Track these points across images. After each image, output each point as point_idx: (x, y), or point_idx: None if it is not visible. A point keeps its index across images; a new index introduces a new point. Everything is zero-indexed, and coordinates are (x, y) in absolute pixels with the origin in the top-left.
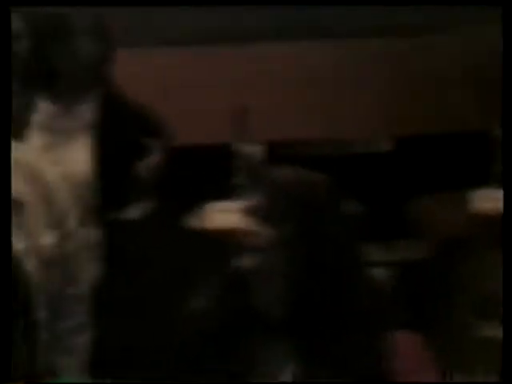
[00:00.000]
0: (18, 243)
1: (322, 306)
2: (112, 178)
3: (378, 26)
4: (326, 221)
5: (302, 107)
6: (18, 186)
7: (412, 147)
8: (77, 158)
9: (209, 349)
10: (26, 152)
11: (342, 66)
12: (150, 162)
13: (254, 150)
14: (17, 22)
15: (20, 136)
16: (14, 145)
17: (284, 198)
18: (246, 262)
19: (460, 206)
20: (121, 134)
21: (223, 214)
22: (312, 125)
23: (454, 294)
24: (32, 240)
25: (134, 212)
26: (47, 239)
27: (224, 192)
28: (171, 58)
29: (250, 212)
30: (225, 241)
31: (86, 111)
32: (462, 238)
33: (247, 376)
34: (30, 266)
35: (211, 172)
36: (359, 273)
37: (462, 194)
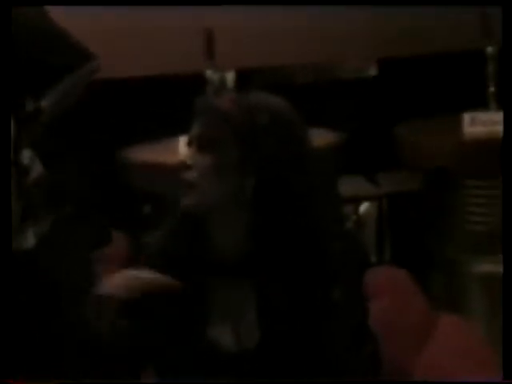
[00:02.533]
0: None
1: (284, 244)
2: None
3: None
4: (272, 149)
5: (275, 31)
6: None
7: (398, 70)
8: None
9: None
10: None
11: None
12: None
13: (224, 77)
14: None
15: None
16: None
17: (222, 124)
18: (190, 199)
19: (451, 131)
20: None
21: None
22: (291, 50)
23: (443, 229)
24: None
25: None
26: None
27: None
28: None
29: (189, 143)
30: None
31: None
32: (452, 166)
33: (205, 318)
34: None
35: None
36: (319, 205)
37: (453, 118)
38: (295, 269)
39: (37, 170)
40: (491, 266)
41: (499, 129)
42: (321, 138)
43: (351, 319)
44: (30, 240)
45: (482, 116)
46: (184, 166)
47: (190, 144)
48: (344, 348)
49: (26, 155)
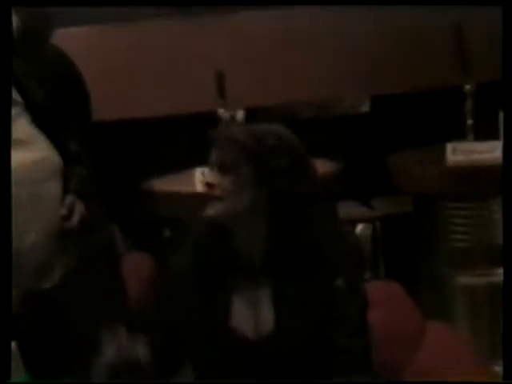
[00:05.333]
0: None
1: (294, 245)
2: None
3: None
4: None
5: (280, 72)
6: None
7: (389, 106)
8: None
9: (193, 291)
10: None
11: (318, 32)
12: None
13: (235, 115)
14: None
15: None
16: None
17: (237, 150)
18: (214, 210)
19: (436, 159)
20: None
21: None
22: (291, 89)
23: (430, 246)
24: None
25: None
26: None
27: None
28: (148, 31)
29: (211, 166)
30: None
31: None
32: (438, 190)
33: (228, 316)
34: None
35: (198, 138)
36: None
37: (437, 147)
38: (304, 265)
39: (79, 213)
40: (472, 279)
41: (477, 157)
42: (321, 167)
43: (352, 307)
44: (54, 277)
45: (462, 146)
46: (208, 185)
47: (211, 168)
48: (343, 335)
49: (68, 200)
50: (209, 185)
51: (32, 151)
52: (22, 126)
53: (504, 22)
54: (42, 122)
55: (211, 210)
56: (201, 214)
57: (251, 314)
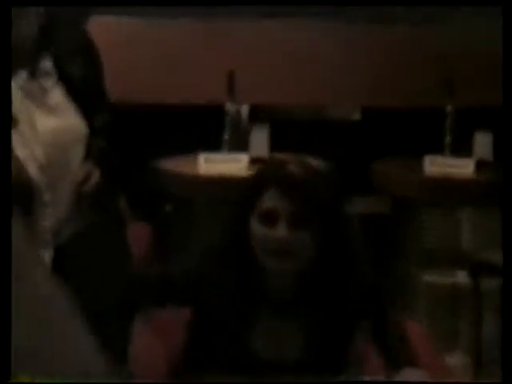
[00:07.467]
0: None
1: (324, 283)
2: None
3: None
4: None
5: (284, 76)
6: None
7: (378, 117)
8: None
9: (226, 319)
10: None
11: (323, 45)
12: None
13: (240, 110)
14: None
15: None
16: None
17: (312, 199)
18: (284, 265)
19: (415, 168)
20: None
21: (215, 164)
22: (292, 92)
23: (402, 244)
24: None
25: None
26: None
27: (215, 145)
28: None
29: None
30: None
31: None
32: (414, 196)
33: (262, 345)
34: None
35: (204, 127)
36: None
37: (417, 159)
38: (332, 303)
39: (95, 179)
40: (437, 278)
41: (451, 170)
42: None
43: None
44: (64, 235)
45: (439, 159)
46: (284, 240)
47: (273, 215)
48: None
49: (87, 167)
50: (280, 241)
51: (62, 118)
52: (54, 96)
53: (504, 22)
54: (72, 93)
55: (281, 265)
56: (267, 264)
57: (275, 342)
